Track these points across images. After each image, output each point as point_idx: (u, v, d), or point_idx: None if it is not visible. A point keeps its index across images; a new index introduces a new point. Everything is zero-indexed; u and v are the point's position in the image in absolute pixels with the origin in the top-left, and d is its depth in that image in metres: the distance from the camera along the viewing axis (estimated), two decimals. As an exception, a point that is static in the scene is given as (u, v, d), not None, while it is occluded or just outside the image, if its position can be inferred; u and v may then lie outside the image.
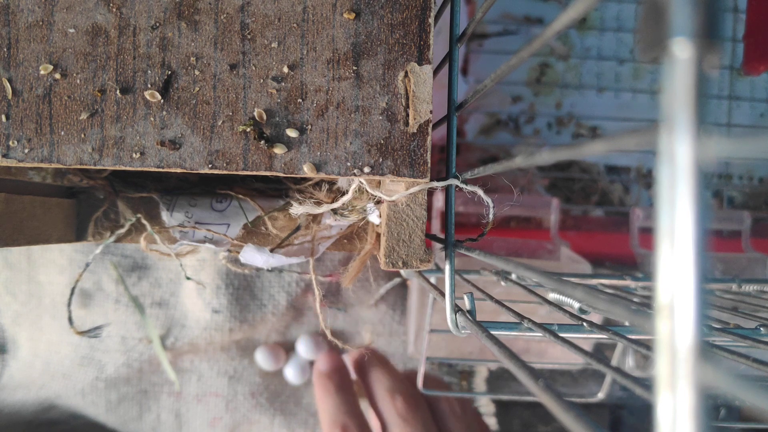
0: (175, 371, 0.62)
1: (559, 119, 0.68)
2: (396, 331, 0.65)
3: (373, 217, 0.32)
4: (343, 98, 0.27)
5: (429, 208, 0.59)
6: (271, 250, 0.36)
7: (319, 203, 0.33)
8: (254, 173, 0.27)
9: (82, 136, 0.27)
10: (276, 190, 0.41)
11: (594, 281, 0.43)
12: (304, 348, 0.63)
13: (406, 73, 0.27)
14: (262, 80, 0.27)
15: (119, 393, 0.61)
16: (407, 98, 0.27)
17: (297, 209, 0.32)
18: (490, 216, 0.30)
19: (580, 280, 0.44)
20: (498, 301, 0.30)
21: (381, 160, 0.27)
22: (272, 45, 0.27)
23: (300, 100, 0.27)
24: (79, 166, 0.27)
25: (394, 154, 0.27)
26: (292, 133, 0.27)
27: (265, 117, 0.27)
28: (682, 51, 0.11)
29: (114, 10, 0.27)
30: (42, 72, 0.26)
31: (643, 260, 0.59)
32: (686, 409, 0.11)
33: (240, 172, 0.27)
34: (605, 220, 0.67)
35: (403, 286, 0.64)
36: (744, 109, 0.67)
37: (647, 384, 0.18)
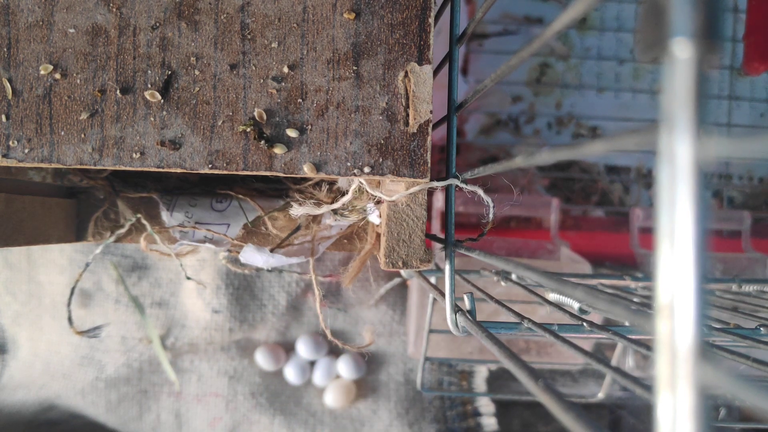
0: (175, 371, 0.62)
1: (559, 119, 0.68)
2: (396, 331, 0.65)
3: (373, 217, 0.32)
4: (343, 98, 0.27)
5: (429, 208, 0.59)
6: (271, 250, 0.36)
7: (319, 204, 0.33)
8: (254, 173, 0.27)
9: (82, 136, 0.27)
10: (276, 190, 0.41)
11: (594, 281, 0.43)
12: (304, 348, 0.63)
13: (406, 73, 0.27)
14: (262, 80, 0.27)
15: (119, 393, 0.61)
16: (407, 98, 0.27)
17: (297, 210, 0.32)
18: (490, 216, 0.30)
19: (580, 280, 0.44)
20: (498, 301, 0.30)
21: (381, 160, 0.27)
22: (272, 45, 0.27)
23: (300, 100, 0.27)
24: (79, 166, 0.27)
25: (394, 154, 0.27)
26: (292, 133, 0.27)
27: (265, 117, 0.27)
28: (682, 51, 0.11)
29: (114, 10, 0.27)
30: (42, 72, 0.26)
31: (643, 260, 0.59)
32: (686, 409, 0.11)
33: (240, 172, 0.27)
34: (605, 220, 0.67)
35: (403, 286, 0.64)
36: (744, 109, 0.67)
37: (647, 384, 0.18)
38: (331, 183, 0.36)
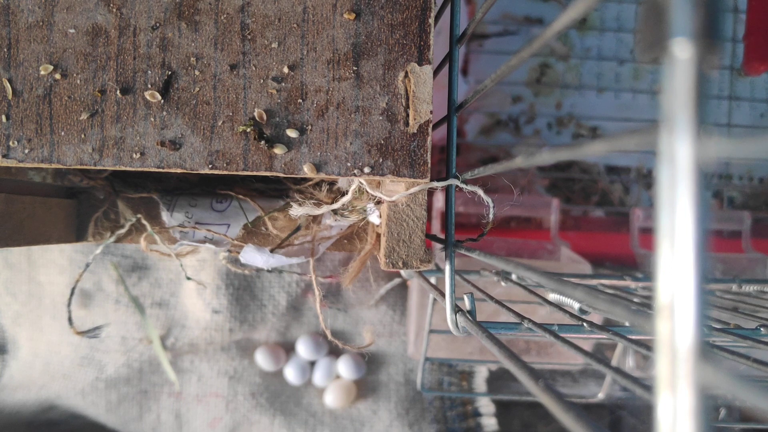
0: (175, 371, 0.62)
1: (559, 119, 0.68)
2: (396, 332, 0.65)
3: (373, 218, 0.32)
4: (343, 98, 0.27)
5: (429, 209, 0.59)
6: (272, 251, 0.36)
7: (319, 204, 0.33)
8: (254, 173, 0.27)
9: (83, 136, 0.27)
10: (276, 190, 0.41)
11: (594, 281, 0.43)
12: (304, 348, 0.63)
13: (407, 73, 0.27)
14: (262, 80, 0.27)
15: (119, 393, 0.61)
16: (407, 98, 0.27)
17: (297, 210, 0.32)
18: (490, 216, 0.30)
19: (580, 280, 0.44)
20: (498, 302, 0.30)
21: (381, 160, 0.27)
22: (272, 45, 0.27)
23: (300, 101, 0.27)
24: (79, 167, 0.27)
25: (394, 155, 0.27)
26: (292, 133, 0.27)
27: (265, 117, 0.27)
28: (682, 51, 0.11)
29: (114, 10, 0.27)
30: (42, 72, 0.26)
31: (643, 260, 0.59)
32: (686, 409, 0.11)
33: (240, 173, 0.27)
34: (605, 221, 0.67)
35: (404, 286, 0.64)
36: (744, 109, 0.67)
37: (647, 384, 0.18)
38: (331, 183, 0.36)
